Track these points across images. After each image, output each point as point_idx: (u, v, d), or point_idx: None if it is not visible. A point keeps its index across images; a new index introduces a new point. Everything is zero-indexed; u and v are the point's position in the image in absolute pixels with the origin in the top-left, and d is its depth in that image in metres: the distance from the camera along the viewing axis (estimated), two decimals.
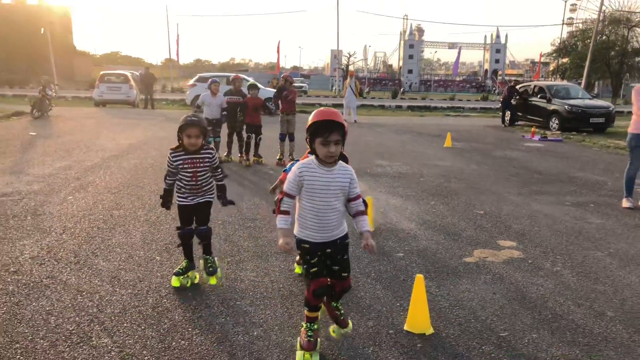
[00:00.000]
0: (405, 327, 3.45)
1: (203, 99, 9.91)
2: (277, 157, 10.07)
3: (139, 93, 25.37)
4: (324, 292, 3.03)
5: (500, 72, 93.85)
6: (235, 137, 10.13)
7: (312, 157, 2.92)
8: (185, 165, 3.82)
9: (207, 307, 3.67)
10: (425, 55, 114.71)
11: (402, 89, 64.80)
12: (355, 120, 19.94)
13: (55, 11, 55.48)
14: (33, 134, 13.30)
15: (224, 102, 9.72)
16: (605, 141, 15.09)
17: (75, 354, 3.00)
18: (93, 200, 6.64)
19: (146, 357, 3.00)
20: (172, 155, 3.81)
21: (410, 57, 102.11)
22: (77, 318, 3.44)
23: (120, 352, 3.04)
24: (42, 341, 3.13)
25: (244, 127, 9.89)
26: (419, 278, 3.41)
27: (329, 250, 2.98)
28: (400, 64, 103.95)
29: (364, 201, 3.05)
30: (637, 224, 6.33)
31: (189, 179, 3.86)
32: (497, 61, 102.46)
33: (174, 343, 3.18)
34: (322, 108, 2.93)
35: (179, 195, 3.96)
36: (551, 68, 55.43)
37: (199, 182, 3.90)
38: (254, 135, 9.81)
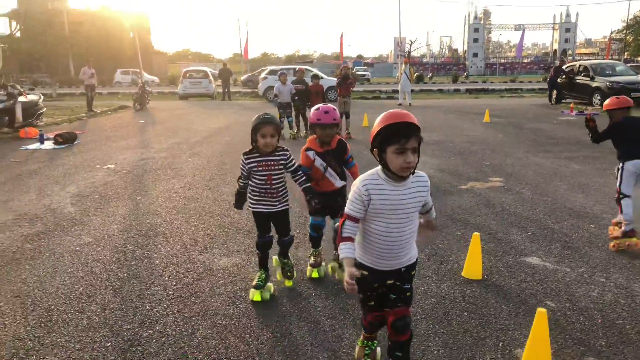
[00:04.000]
0: None
1: (277, 88, 12.56)
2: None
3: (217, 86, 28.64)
4: (380, 325, 2.76)
5: (569, 52, 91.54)
6: (300, 118, 12.82)
7: (378, 168, 2.43)
8: (260, 168, 3.60)
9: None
10: (493, 38, 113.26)
11: (465, 73, 65.53)
12: (410, 104, 22.07)
13: (137, 15, 60.47)
14: (142, 122, 16.57)
15: (292, 89, 12.34)
16: None
17: (221, 221, 5.67)
18: (206, 160, 9.44)
19: None
20: (246, 158, 3.61)
21: (475, 40, 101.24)
22: (218, 209, 6.13)
23: (245, 224, 5.67)
24: (206, 217, 5.84)
25: (307, 108, 12.54)
26: None
27: (389, 282, 2.57)
28: (465, 48, 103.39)
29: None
30: (606, 168, 8.33)
31: (263, 182, 3.63)
32: (566, 41, 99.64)
33: None
34: (390, 111, 2.40)
35: (252, 201, 3.76)
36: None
37: (274, 186, 3.65)
38: None
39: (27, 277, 4.20)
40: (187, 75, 28.73)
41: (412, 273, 2.61)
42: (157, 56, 79.59)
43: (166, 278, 4.16)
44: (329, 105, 3.93)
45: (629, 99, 5.03)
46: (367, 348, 2.83)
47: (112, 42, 56.14)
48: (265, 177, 3.62)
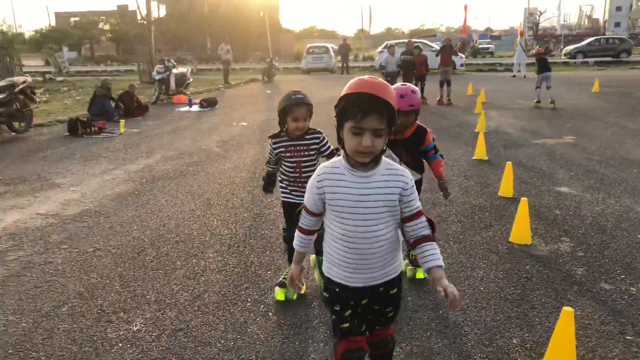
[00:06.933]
0: (474, 157, 7.15)
1: (386, 59, 14.01)
2: (437, 98, 13.78)
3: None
4: (358, 357, 2.11)
5: None
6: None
7: (340, 156, 1.93)
8: (287, 154, 3.22)
9: None
10: None
11: None
12: (524, 75, 22.21)
13: None
14: (269, 92, 18.91)
15: (399, 59, 13.72)
16: None
17: None
18: (321, 119, 11.18)
19: None
20: (273, 142, 3.23)
21: (618, 9, 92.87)
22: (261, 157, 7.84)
23: None
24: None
25: (413, 77, 13.87)
26: (481, 135, 7.07)
27: (364, 302, 2.03)
28: (606, 17, 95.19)
29: (430, 221, 1.97)
30: None
31: (291, 169, 3.25)
32: None
33: None
34: (361, 78, 1.82)
35: (282, 189, 3.38)
36: None
37: (304, 175, 3.21)
38: (419, 82, 13.72)
39: (191, 184, 6.27)
40: (310, 51, 30.96)
41: (392, 292, 2.05)
42: (285, 34, 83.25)
43: None
44: (409, 86, 3.33)
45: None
46: None
47: (244, 21, 60.33)
48: (294, 164, 3.21)
